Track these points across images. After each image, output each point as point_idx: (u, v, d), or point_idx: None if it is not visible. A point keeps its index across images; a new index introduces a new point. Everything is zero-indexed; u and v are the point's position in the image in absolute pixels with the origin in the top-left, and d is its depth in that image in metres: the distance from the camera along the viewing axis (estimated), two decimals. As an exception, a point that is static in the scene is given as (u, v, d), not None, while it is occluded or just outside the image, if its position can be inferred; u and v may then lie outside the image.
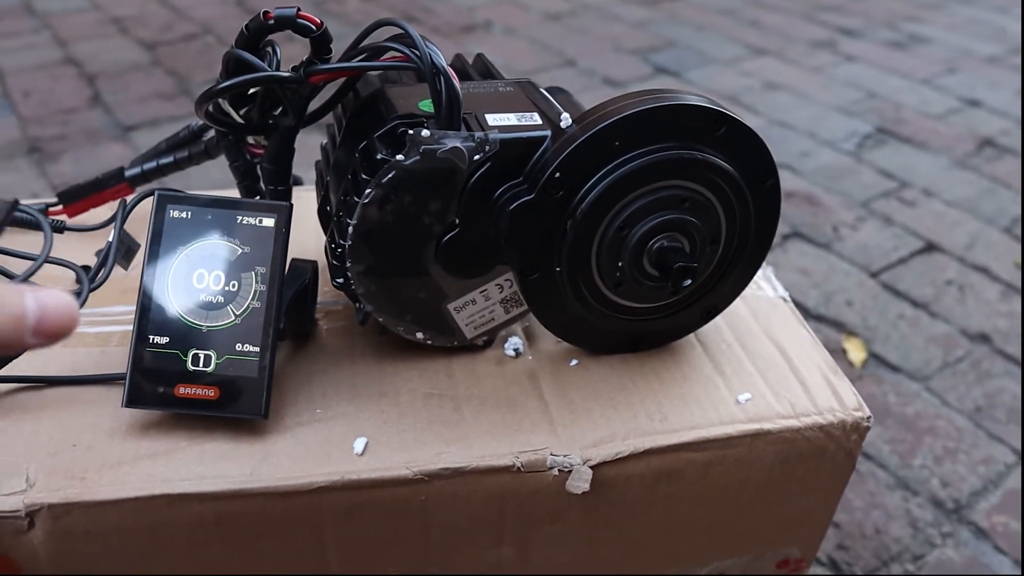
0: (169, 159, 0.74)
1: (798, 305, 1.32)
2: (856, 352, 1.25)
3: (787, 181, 1.67)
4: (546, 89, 0.61)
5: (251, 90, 0.60)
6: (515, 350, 0.62)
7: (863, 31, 2.54)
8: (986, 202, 1.65)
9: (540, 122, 0.55)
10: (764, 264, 0.72)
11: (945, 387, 1.20)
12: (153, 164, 0.74)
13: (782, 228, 1.53)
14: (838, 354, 1.24)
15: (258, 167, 0.65)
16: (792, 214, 1.57)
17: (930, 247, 1.51)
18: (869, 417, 0.59)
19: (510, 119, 0.55)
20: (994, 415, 1.16)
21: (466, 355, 0.62)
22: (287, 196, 0.64)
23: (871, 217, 1.59)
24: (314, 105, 0.61)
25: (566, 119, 0.53)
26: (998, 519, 1.01)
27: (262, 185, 0.65)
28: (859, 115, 1.99)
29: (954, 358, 1.26)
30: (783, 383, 0.60)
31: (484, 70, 0.66)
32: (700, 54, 2.31)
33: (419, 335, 0.60)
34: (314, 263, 0.61)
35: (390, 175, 0.52)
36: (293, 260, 0.62)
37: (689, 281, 0.53)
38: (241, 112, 0.61)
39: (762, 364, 0.62)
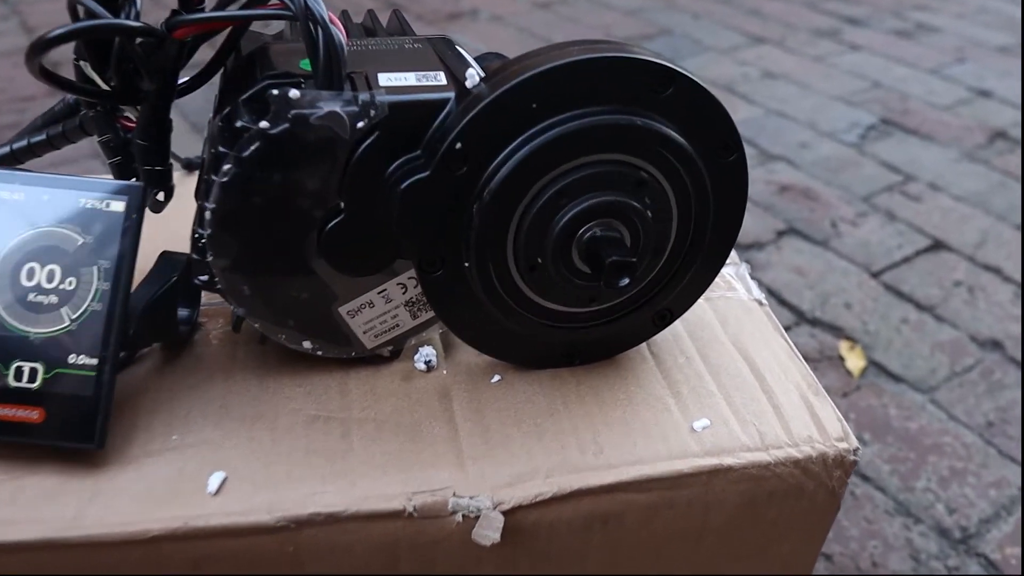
0: (41, 136, 0.63)
1: (791, 307, 1.21)
2: (854, 360, 1.14)
3: (783, 173, 1.56)
4: (478, 56, 0.50)
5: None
6: (427, 363, 0.51)
7: (868, 19, 2.43)
8: (997, 197, 1.54)
9: (444, 82, 0.44)
10: (738, 262, 0.61)
11: (952, 399, 1.09)
12: (24, 143, 0.63)
13: (776, 224, 1.42)
14: (835, 362, 1.13)
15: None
16: (788, 208, 1.46)
17: (937, 245, 1.39)
18: (856, 449, 0.48)
19: (408, 79, 0.44)
20: (1007, 431, 1.04)
21: (367, 369, 0.51)
22: (165, 179, 0.53)
23: (873, 212, 1.48)
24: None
25: (472, 76, 0.42)
26: (1011, 551, 0.90)
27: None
28: (862, 105, 1.87)
29: (962, 367, 1.15)
30: (751, 406, 0.49)
31: (397, 29, 0.55)
32: (696, 42, 2.20)
33: (306, 344, 0.49)
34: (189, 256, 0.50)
35: (253, 147, 0.42)
36: (165, 253, 0.52)
37: (627, 280, 0.42)
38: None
39: (727, 382, 0.51)
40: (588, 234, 0.43)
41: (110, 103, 0.53)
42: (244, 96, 0.43)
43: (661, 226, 0.45)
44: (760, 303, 0.58)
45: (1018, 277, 1.32)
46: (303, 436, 0.46)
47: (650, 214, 0.44)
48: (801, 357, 0.54)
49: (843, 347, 1.16)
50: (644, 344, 0.53)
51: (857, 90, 1.96)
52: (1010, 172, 1.62)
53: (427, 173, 0.42)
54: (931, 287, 1.30)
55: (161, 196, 0.54)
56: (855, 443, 0.48)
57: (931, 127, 1.79)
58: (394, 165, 0.43)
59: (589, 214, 0.43)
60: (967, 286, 1.30)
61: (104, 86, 0.52)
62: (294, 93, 0.41)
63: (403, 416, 0.48)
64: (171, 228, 0.53)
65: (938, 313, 1.24)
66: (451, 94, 0.43)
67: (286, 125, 0.42)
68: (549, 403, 0.48)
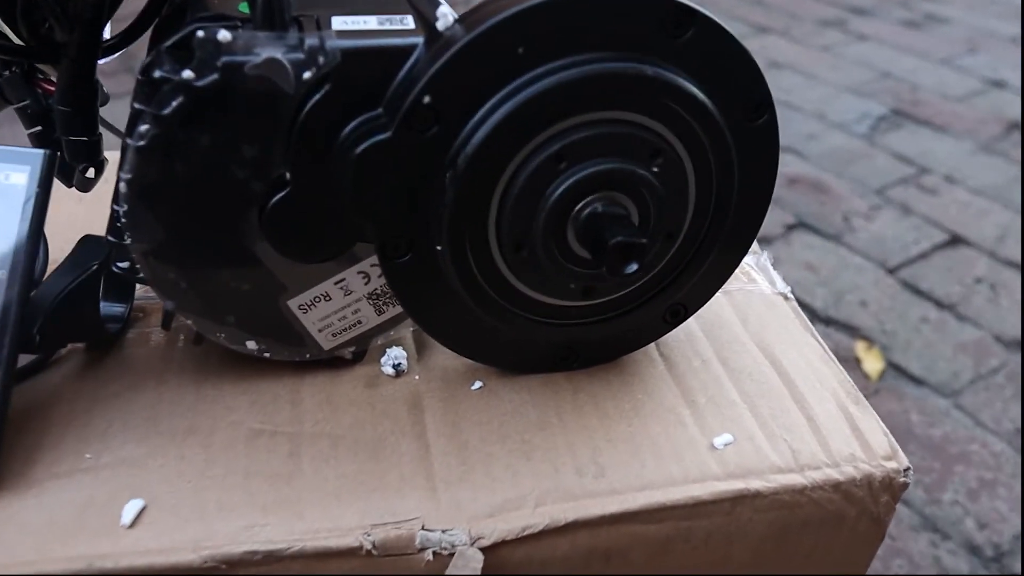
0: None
1: (803, 306, 1.13)
2: (872, 362, 1.06)
3: (792, 166, 1.48)
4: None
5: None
6: (395, 366, 0.43)
7: (875, 9, 2.35)
8: (1016, 190, 1.46)
9: (411, 26, 0.36)
10: (758, 250, 0.53)
11: (978, 404, 1.01)
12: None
13: (786, 218, 1.34)
14: (850, 364, 1.05)
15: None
16: (797, 202, 1.38)
17: (955, 240, 1.32)
18: (907, 470, 0.40)
19: (367, 22, 0.36)
20: (1038, 438, 0.97)
21: (324, 373, 0.43)
22: (93, 151, 0.45)
23: (887, 206, 1.40)
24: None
25: (445, 16, 0.34)
26: (1050, 571, 0.82)
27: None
28: (872, 96, 1.80)
29: (987, 369, 1.07)
30: (781, 418, 0.41)
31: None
32: (698, 32, 2.12)
33: (250, 345, 0.41)
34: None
35: (174, 103, 0.34)
36: (87, 237, 0.44)
37: (634, 266, 0.34)
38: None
39: (751, 389, 0.43)
40: (587, 210, 0.35)
41: (25, 61, 0.46)
42: (167, 42, 0.35)
43: (676, 202, 0.37)
44: (785, 297, 0.50)
45: (1043, 274, 1.24)
46: (243, 455, 0.38)
47: (663, 187, 0.36)
48: (835, 359, 0.46)
49: (860, 348, 1.09)
50: (653, 345, 0.45)
51: (866, 81, 1.88)
52: (1029, 164, 1.55)
53: (388, 135, 0.34)
54: (951, 284, 1.22)
55: (91, 172, 0.46)
56: (905, 461, 0.40)
57: (944, 118, 1.71)
58: (350, 126, 0.35)
59: (588, 186, 0.35)
60: (989, 283, 1.22)
61: (17, 40, 0.44)
62: (224, 35, 0.34)
63: (364, 430, 0.40)
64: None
65: (959, 311, 1.17)
66: (419, 39, 0.35)
67: (214, 76, 0.34)
68: (540, 415, 0.41)
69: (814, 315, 1.13)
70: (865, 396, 0.44)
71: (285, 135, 0.36)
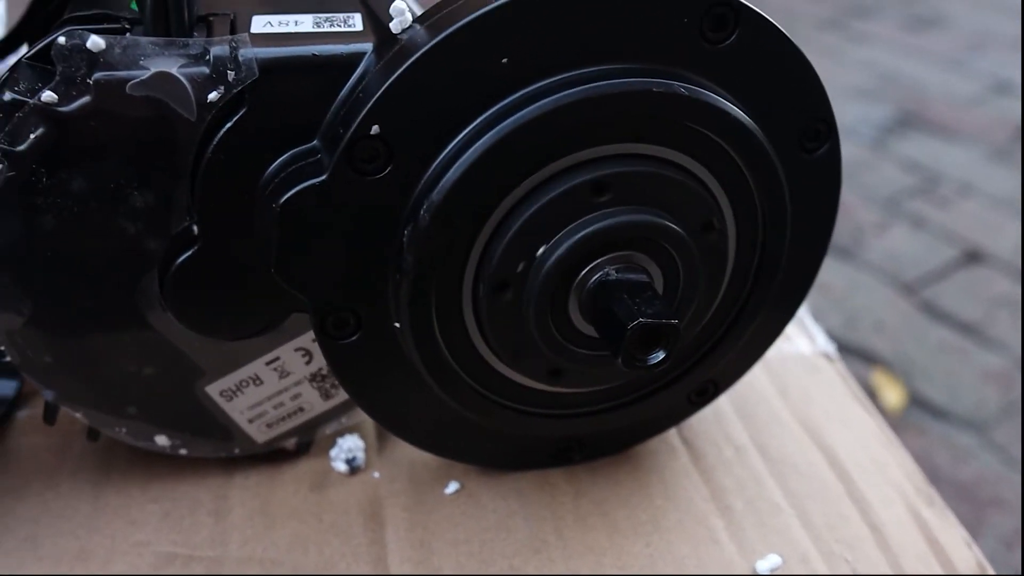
0: None
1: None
2: (891, 392, 0.98)
3: (796, 176, 1.39)
4: None
5: None
6: (349, 462, 0.34)
7: (875, 10, 2.27)
8: (1033, 200, 1.38)
9: (358, 28, 0.27)
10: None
11: (1008, 439, 0.93)
12: None
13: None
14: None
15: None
16: (803, 215, 1.30)
17: (973, 256, 1.23)
18: (1003, 596, 0.31)
19: (300, 24, 0.27)
20: (1076, 478, 0.88)
21: (260, 471, 0.34)
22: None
23: (898, 219, 1.32)
24: None
25: (402, 12, 0.25)
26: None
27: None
28: (876, 101, 1.71)
29: (1016, 398, 0.98)
30: (839, 528, 0.32)
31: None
32: (692, 34, 2.04)
33: (160, 441, 0.32)
34: None
35: (32, 136, 0.25)
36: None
37: (662, 355, 0.25)
38: None
39: (799, 488, 0.34)
40: (596, 276, 0.26)
41: None
42: (29, 52, 0.26)
43: (713, 261, 0.28)
44: (829, 358, 0.41)
45: (1067, 291, 1.16)
46: (144, 593, 0.29)
47: (698, 245, 0.27)
48: (898, 440, 0.37)
49: (878, 378, 1.00)
50: (674, 429, 0.36)
51: (869, 84, 1.80)
52: (1045, 173, 1.47)
53: (324, 177, 0.25)
54: (971, 304, 1.14)
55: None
56: (998, 583, 0.31)
57: (953, 123, 1.63)
58: (274, 164, 0.26)
59: (597, 245, 0.26)
60: (1011, 302, 1.14)
61: None
62: (96, 43, 0.25)
63: (307, 554, 0.31)
64: None
65: (982, 335, 1.08)
66: (368, 46, 0.26)
67: (85, 98, 0.25)
68: (533, 531, 0.31)
69: (827, 341, 1.03)
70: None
71: (189, 177, 0.26)
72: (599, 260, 0.26)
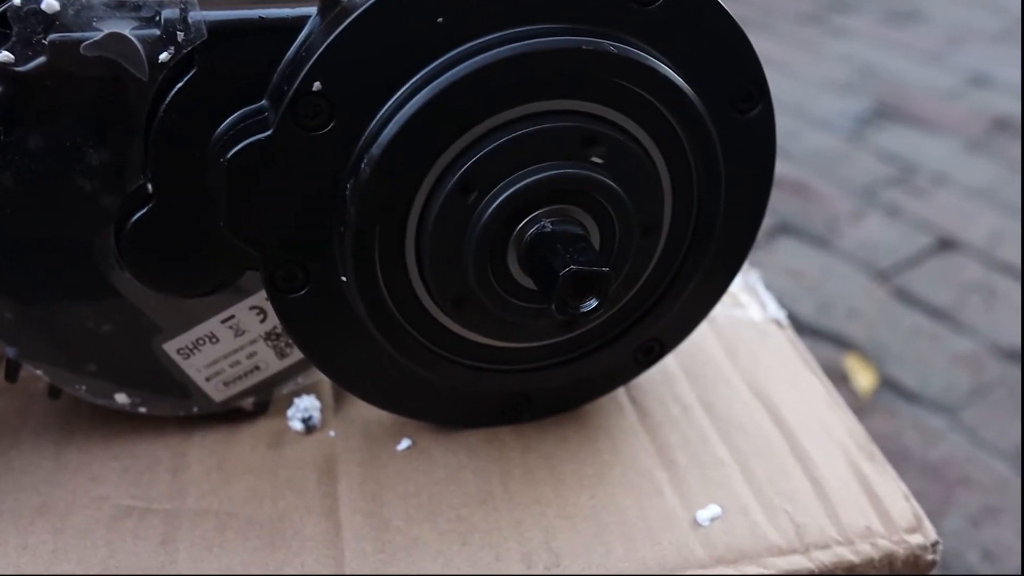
0: None
1: (788, 316, 1.05)
2: (863, 376, 0.99)
3: (773, 166, 1.40)
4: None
5: None
6: (305, 421, 0.35)
7: (854, 5, 2.28)
8: (1007, 190, 1.39)
9: (306, -9, 0.28)
10: (746, 265, 0.45)
11: (978, 421, 0.94)
12: None
13: (767, 222, 1.26)
14: (839, 380, 0.97)
15: None
16: (779, 204, 1.31)
17: (946, 244, 1.25)
18: (936, 544, 0.32)
19: (251, -13, 0.28)
20: (1043, 459, 0.90)
21: (219, 430, 0.35)
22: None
23: (874, 209, 1.33)
24: None
25: (343, -24, 0.26)
26: (1065, 609, 0.75)
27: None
28: (854, 93, 1.73)
29: (986, 382, 1.00)
30: (780, 482, 0.33)
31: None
32: (674, 28, 2.05)
33: (120, 399, 0.33)
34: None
35: (-11, 92, 0.26)
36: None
37: (595, 302, 0.26)
38: None
39: (743, 444, 0.35)
40: (533, 229, 0.27)
41: None
42: (-16, 15, 0.27)
43: (648, 215, 0.29)
44: (779, 324, 0.42)
45: (1038, 278, 1.18)
46: (102, 543, 0.30)
47: (631, 198, 0.28)
48: (843, 402, 0.38)
49: (850, 362, 1.01)
50: (622, 388, 0.37)
51: (847, 77, 1.81)
52: (1018, 163, 1.48)
53: (269, 133, 0.26)
54: (943, 290, 1.15)
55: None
56: (933, 534, 0.33)
57: (929, 116, 1.65)
58: (225, 123, 0.27)
59: (533, 197, 0.27)
60: (983, 289, 1.15)
61: None
62: (51, 4, 0.25)
63: (261, 506, 0.32)
64: None
65: (954, 320, 1.10)
66: (312, 9, 0.27)
67: (41, 59, 0.26)
68: (481, 483, 0.33)
69: (800, 326, 1.05)
70: (855, 414, 0.37)
71: (142, 135, 0.27)
72: (536, 213, 0.27)
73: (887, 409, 0.95)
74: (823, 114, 1.63)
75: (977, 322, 1.09)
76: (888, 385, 0.99)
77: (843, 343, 1.05)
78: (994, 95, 1.76)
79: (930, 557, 0.32)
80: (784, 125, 1.43)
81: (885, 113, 1.66)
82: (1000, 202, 1.36)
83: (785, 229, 1.27)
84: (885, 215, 1.32)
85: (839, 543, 0.31)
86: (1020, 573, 0.77)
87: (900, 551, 0.32)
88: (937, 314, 1.11)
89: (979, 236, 1.27)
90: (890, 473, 0.35)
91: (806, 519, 0.32)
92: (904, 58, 1.94)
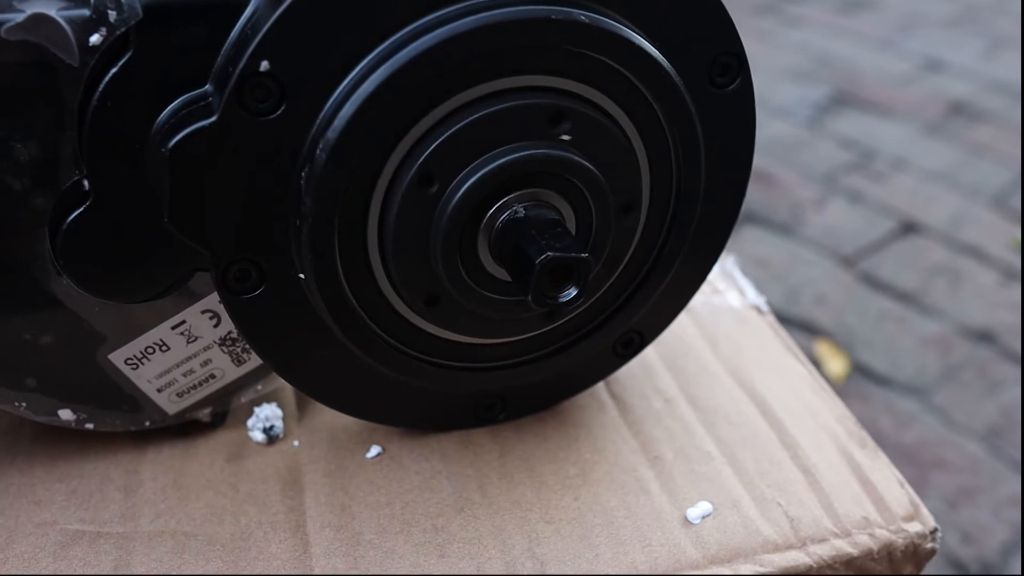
0: None
1: (757, 305, 1.05)
2: (834, 362, 0.99)
3: (735, 156, 1.40)
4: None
5: None
6: (267, 431, 0.33)
7: (807, -6, 2.29)
8: (966, 173, 1.40)
9: (250, -35, 0.26)
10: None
11: (949, 402, 0.94)
12: None
13: (732, 211, 1.26)
14: (812, 366, 0.97)
15: None
16: (743, 194, 1.30)
17: (909, 227, 1.25)
18: (935, 531, 0.31)
19: (189, -37, 0.26)
20: (1014, 437, 0.90)
21: (173, 444, 0.33)
22: None
23: (835, 195, 1.33)
24: None
25: (290, -54, 0.24)
26: (1044, 588, 0.75)
27: None
28: (812, 82, 1.73)
29: (955, 363, 1.00)
30: (771, 474, 0.32)
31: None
32: (629, 21, 2.04)
33: (64, 415, 0.30)
34: None
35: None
36: None
37: (574, 291, 0.25)
38: None
39: (730, 436, 0.33)
40: (504, 216, 0.25)
41: None
42: None
43: (624, 194, 0.28)
44: (759, 310, 0.41)
45: (1000, 258, 1.18)
46: (49, 572, 0.28)
47: (605, 176, 0.26)
48: (830, 387, 0.37)
49: (821, 348, 1.01)
50: (601, 383, 0.35)
51: (804, 66, 1.82)
52: (975, 146, 1.49)
53: (214, 118, 0.24)
54: (908, 273, 1.15)
55: None
56: (931, 521, 0.31)
57: (886, 101, 1.65)
58: (166, 111, 0.25)
59: (500, 182, 0.25)
60: (948, 271, 1.16)
61: None
62: (-35, -16, 0.23)
63: (222, 524, 0.30)
64: None
65: (920, 302, 1.10)
66: (257, -16, 0.25)
67: (-42, 44, 0.23)
68: (458, 490, 0.31)
69: (770, 315, 1.04)
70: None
71: (75, 127, 0.25)
72: (506, 199, 0.25)
73: (859, 394, 0.95)
74: (782, 103, 1.63)
75: (943, 304, 1.10)
76: (859, 370, 0.99)
77: (812, 330, 1.05)
78: (947, 79, 1.77)
79: (929, 545, 0.31)
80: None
81: (842, 100, 1.66)
82: (959, 184, 1.37)
83: (750, 218, 1.27)
84: (847, 201, 1.32)
85: (836, 535, 0.30)
86: (1020, 573, 0.77)
87: (899, 540, 0.30)
88: (904, 298, 1.11)
89: (940, 219, 1.27)
90: (882, 459, 0.33)
91: (800, 511, 0.30)
92: (858, 45, 1.95)
